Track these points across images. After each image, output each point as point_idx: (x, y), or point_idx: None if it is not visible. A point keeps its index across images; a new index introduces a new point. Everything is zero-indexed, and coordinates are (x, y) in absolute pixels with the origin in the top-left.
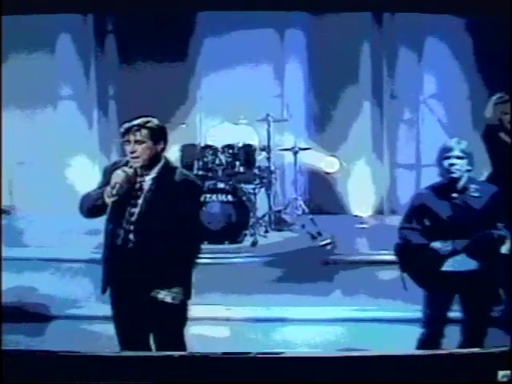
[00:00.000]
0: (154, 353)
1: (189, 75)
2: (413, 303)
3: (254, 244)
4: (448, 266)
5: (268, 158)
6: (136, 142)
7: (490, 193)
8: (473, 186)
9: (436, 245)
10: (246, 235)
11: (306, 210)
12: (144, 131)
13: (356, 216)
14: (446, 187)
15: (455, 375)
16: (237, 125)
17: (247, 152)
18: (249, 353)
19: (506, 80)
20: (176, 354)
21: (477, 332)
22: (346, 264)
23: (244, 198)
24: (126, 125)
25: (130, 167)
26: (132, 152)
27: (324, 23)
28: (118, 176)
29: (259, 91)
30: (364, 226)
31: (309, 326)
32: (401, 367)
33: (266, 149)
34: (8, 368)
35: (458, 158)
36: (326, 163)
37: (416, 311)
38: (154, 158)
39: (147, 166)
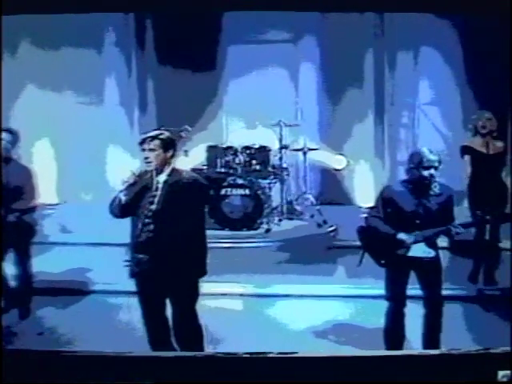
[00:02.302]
0: (154, 353)
1: (216, 83)
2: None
3: (267, 231)
4: (412, 252)
5: (280, 158)
6: (150, 150)
7: (447, 192)
8: (434, 186)
9: (401, 236)
10: (261, 223)
11: (314, 202)
12: (156, 141)
13: (360, 207)
14: (415, 187)
15: (455, 375)
16: (255, 128)
17: (263, 152)
18: (260, 353)
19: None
20: (176, 354)
21: (435, 308)
22: (348, 248)
23: (259, 192)
24: (143, 136)
25: (138, 170)
26: (146, 158)
27: (333, 38)
28: (127, 176)
29: (277, 98)
30: (367, 213)
31: (313, 302)
32: (401, 367)
33: (279, 149)
34: (8, 368)
35: (435, 168)
36: (335, 161)
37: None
38: (164, 164)
39: (159, 170)
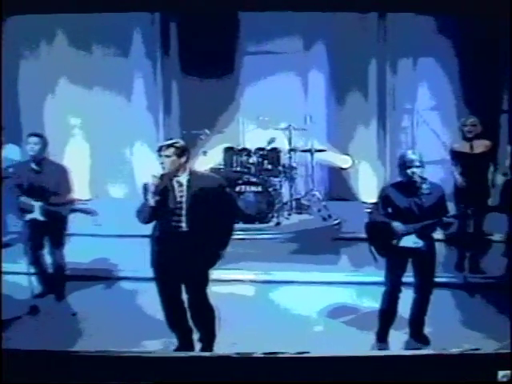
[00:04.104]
0: (154, 353)
1: (234, 90)
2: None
3: (277, 224)
4: (403, 242)
5: (290, 158)
6: (165, 156)
7: (437, 190)
8: (425, 186)
9: (395, 224)
10: (272, 217)
11: (321, 198)
12: (171, 149)
13: (364, 202)
14: (406, 186)
15: (455, 375)
16: (268, 131)
17: (274, 153)
18: (252, 353)
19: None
20: (175, 354)
21: (424, 291)
22: (351, 240)
23: (271, 189)
24: (160, 144)
25: (158, 173)
26: (162, 163)
27: (339, 49)
28: (151, 180)
29: (288, 103)
30: (370, 210)
31: (318, 288)
32: (402, 367)
33: (288, 150)
34: (8, 368)
35: (418, 167)
36: (341, 160)
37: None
38: (179, 168)
39: (174, 173)
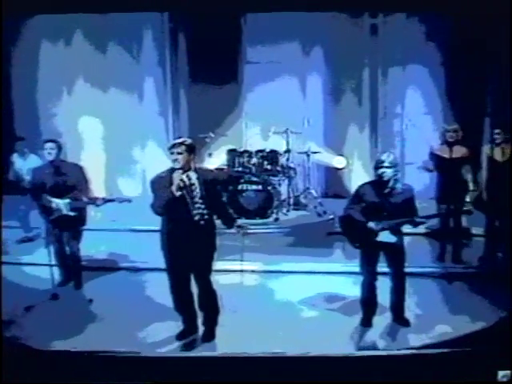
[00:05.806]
0: (153, 353)
1: (237, 95)
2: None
3: (276, 220)
4: (379, 237)
5: (287, 159)
6: (177, 153)
7: (408, 191)
8: (397, 186)
9: (371, 224)
10: (272, 213)
11: (317, 196)
12: (182, 146)
13: None
14: (380, 185)
15: (455, 375)
16: (268, 134)
17: (273, 155)
18: (247, 353)
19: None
20: (175, 354)
21: (399, 279)
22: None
23: (270, 188)
24: (172, 142)
25: (179, 169)
26: (175, 159)
27: (335, 58)
28: (177, 177)
29: (287, 108)
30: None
31: (314, 277)
32: (402, 367)
33: (287, 152)
34: (8, 368)
35: (387, 167)
36: (337, 161)
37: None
38: (189, 164)
39: (185, 168)
